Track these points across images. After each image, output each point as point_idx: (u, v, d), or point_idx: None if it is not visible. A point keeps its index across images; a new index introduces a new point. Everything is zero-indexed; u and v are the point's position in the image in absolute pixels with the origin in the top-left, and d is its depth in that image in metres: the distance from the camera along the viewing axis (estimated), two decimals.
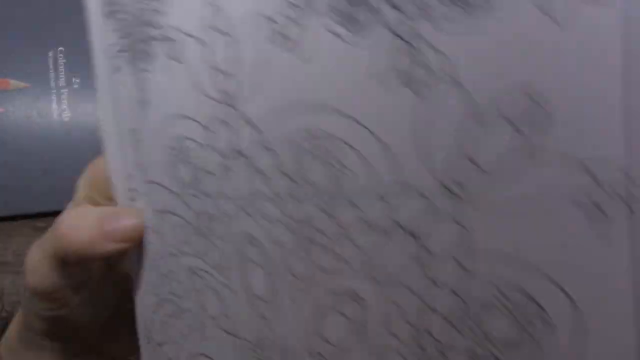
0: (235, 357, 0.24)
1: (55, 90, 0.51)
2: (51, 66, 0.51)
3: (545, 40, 0.15)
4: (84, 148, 0.51)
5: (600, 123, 0.15)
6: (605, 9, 0.14)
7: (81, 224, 0.27)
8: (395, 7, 0.17)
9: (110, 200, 0.28)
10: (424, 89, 0.16)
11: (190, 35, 0.22)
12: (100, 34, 0.26)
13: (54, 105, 0.51)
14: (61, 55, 0.51)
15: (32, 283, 0.27)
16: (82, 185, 0.29)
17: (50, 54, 0.51)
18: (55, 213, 0.31)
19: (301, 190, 0.19)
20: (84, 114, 0.50)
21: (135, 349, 0.29)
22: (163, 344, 0.27)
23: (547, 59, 0.15)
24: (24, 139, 0.50)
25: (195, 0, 0.21)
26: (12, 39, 0.50)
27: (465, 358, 0.18)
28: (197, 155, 0.23)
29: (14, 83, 0.51)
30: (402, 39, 0.16)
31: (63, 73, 0.51)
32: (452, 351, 0.18)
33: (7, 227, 0.49)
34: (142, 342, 0.28)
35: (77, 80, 0.51)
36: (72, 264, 0.28)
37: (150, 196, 0.25)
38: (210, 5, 0.20)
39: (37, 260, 0.27)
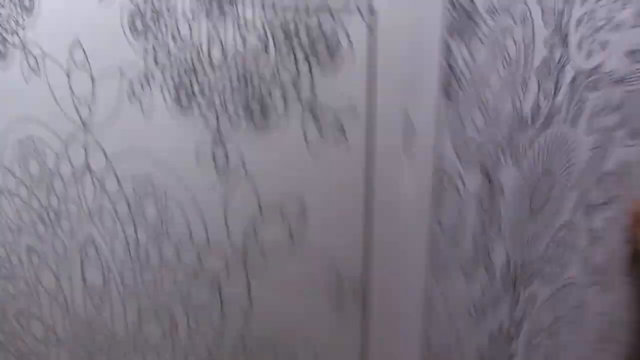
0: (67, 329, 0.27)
1: None
2: None
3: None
4: None
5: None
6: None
7: None
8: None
9: None
10: (223, 177, 0.20)
11: (51, 57, 0.22)
12: None
13: None
14: None
15: None
16: None
17: None
18: None
19: (136, 219, 0.23)
20: None
21: None
22: None
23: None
24: None
25: (62, 33, 0.23)
26: None
27: None
28: (47, 158, 0.25)
29: None
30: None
31: None
32: None
33: None
34: None
35: None
36: None
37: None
38: (78, 46, 0.23)
39: None
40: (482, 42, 0.19)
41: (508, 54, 0.20)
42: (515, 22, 0.20)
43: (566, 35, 0.22)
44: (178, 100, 0.21)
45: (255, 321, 0.21)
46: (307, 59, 0.21)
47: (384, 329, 0.19)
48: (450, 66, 0.19)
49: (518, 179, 0.22)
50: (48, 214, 0.26)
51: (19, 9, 0.24)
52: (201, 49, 0.20)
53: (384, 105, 0.19)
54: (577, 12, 0.22)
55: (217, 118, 0.20)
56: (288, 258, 0.20)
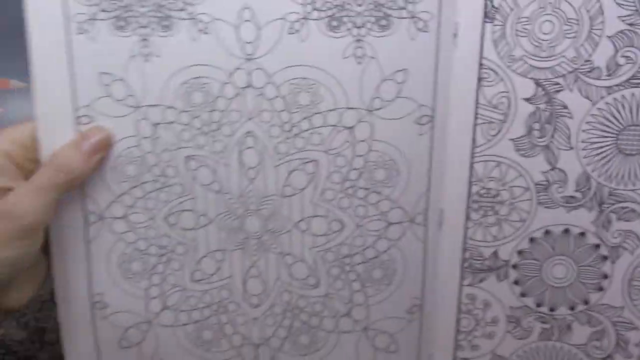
0: (221, 207, 0.41)
1: None
2: None
3: None
4: None
5: None
6: None
7: (69, 156, 0.38)
8: None
9: (30, 162, 0.37)
10: None
11: (221, 19, 0.37)
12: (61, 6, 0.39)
13: None
14: None
15: (19, 215, 0.35)
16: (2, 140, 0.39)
17: None
18: None
19: (291, 109, 0.39)
20: None
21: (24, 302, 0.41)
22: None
23: None
24: None
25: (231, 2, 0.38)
26: (12, 39, 0.48)
27: None
28: (211, 87, 0.39)
29: (14, 83, 0.50)
30: None
31: None
32: None
33: None
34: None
35: None
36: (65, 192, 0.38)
37: (148, 114, 0.39)
38: (247, 7, 0.38)
39: (23, 193, 0.36)
40: None
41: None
42: None
43: None
44: (331, 26, 0.38)
45: None
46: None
47: None
48: None
49: None
50: (210, 126, 0.41)
51: None
52: None
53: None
54: None
55: None
56: None
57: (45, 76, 0.38)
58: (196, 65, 0.39)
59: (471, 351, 0.44)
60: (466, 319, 0.43)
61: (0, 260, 0.34)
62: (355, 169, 0.39)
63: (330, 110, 0.38)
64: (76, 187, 0.38)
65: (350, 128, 0.40)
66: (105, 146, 0.39)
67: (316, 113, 0.40)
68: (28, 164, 0.37)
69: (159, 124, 0.40)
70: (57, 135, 0.39)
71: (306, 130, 0.38)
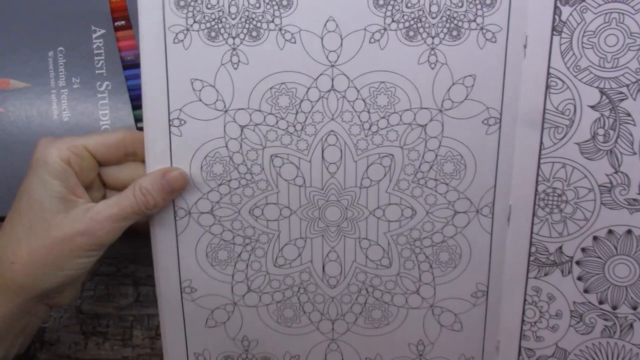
0: (303, 199, 0.49)
1: (55, 91, 0.53)
2: (51, 66, 0.53)
3: None
4: None
5: None
6: None
7: (150, 191, 0.48)
8: None
9: (87, 171, 0.46)
10: None
11: (307, 30, 0.47)
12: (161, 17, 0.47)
13: (54, 106, 0.53)
14: (61, 55, 0.53)
15: (99, 235, 0.45)
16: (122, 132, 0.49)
17: (50, 54, 0.53)
18: None
19: (371, 109, 0.48)
20: (83, 114, 0.53)
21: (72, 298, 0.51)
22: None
23: None
24: (24, 139, 0.53)
25: (317, 14, 0.47)
26: (12, 39, 0.52)
27: None
28: (296, 90, 0.48)
29: (14, 83, 0.53)
30: None
31: (63, 73, 0.53)
32: None
33: None
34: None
35: (77, 80, 0.53)
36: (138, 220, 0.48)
37: (235, 117, 0.48)
38: (331, 20, 0.47)
39: (105, 216, 0.46)
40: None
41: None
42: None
43: None
44: (409, 36, 0.47)
45: None
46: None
47: None
48: None
49: None
50: (295, 126, 0.51)
51: (275, 6, 0.49)
52: None
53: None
54: None
55: None
56: None
57: (147, 81, 0.49)
58: (283, 71, 0.47)
59: (535, 342, 0.53)
60: (531, 310, 0.52)
61: (75, 265, 0.42)
62: (426, 162, 0.47)
63: (406, 110, 0.47)
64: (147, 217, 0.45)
65: (423, 126, 0.49)
66: (182, 186, 0.47)
67: (393, 113, 0.48)
68: (85, 172, 0.43)
69: (246, 126, 0.49)
70: (155, 136, 0.47)
71: (384, 128, 0.47)
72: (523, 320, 0.50)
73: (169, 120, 0.47)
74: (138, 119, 0.53)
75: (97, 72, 0.53)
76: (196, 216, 0.48)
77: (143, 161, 0.45)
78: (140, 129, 0.51)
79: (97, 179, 0.45)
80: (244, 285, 0.49)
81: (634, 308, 0.49)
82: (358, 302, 0.49)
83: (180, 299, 0.49)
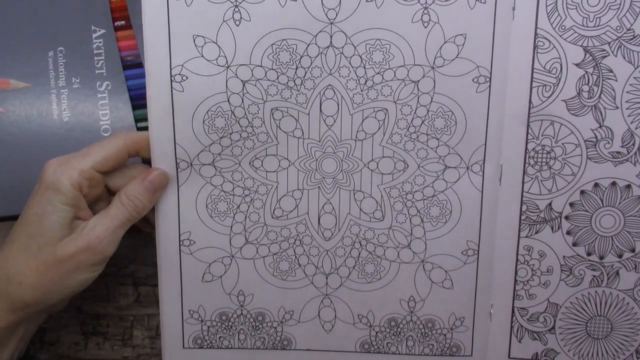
0: (301, 151, 0.53)
1: (55, 90, 0.55)
2: (51, 66, 0.54)
3: None
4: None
5: None
6: None
7: (137, 196, 0.52)
8: None
9: (93, 188, 0.49)
10: None
11: None
12: None
13: (54, 105, 0.55)
14: (61, 55, 0.54)
15: (100, 250, 0.49)
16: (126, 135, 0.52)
17: (51, 53, 0.54)
18: None
19: (367, 64, 0.52)
20: (83, 114, 0.55)
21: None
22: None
23: None
24: (24, 139, 0.54)
25: None
26: (12, 39, 0.54)
27: None
28: (296, 46, 0.53)
29: (14, 83, 0.54)
30: None
31: (63, 73, 0.54)
32: None
33: (7, 227, 0.53)
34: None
35: (77, 80, 0.55)
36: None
37: (237, 72, 0.52)
38: None
39: (102, 230, 0.49)
40: None
41: None
42: None
43: None
44: None
45: None
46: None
47: None
48: None
49: None
50: (295, 81, 0.55)
51: None
52: None
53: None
54: None
55: None
56: None
57: (149, 37, 0.53)
58: (284, 28, 0.51)
59: (528, 300, 0.57)
60: (523, 269, 0.56)
61: (78, 281, 0.46)
62: (418, 117, 0.51)
63: (400, 66, 0.51)
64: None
65: (416, 82, 0.53)
66: (164, 183, 0.50)
67: (387, 69, 0.53)
68: (94, 191, 0.47)
69: (247, 81, 0.54)
70: (157, 92, 0.52)
71: (378, 84, 0.51)
72: (516, 280, 0.52)
73: (171, 76, 0.51)
74: (138, 119, 0.56)
75: (97, 72, 0.55)
76: (197, 168, 0.52)
77: (146, 160, 0.49)
78: (141, 129, 0.55)
79: (104, 191, 0.48)
80: (241, 237, 0.53)
81: (620, 256, 0.52)
82: (351, 256, 0.53)
83: (179, 252, 0.53)
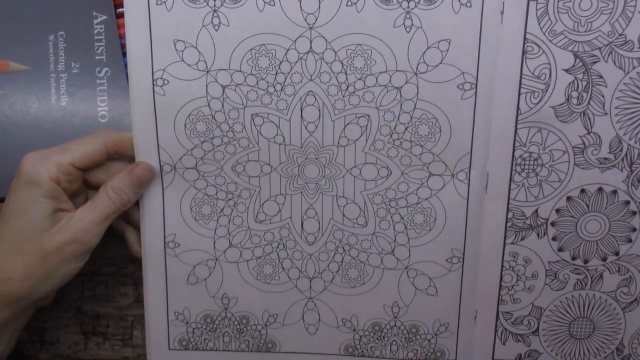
0: (283, 157, 0.55)
1: (54, 75, 0.56)
2: (51, 50, 0.55)
3: None
4: (80, 134, 0.56)
5: None
6: None
7: (122, 189, 0.54)
8: None
9: (71, 183, 0.51)
10: None
11: None
12: None
13: (53, 90, 0.56)
14: (61, 39, 0.55)
15: (85, 241, 0.51)
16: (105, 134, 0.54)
17: (51, 37, 0.55)
18: None
19: (348, 70, 0.53)
20: (82, 99, 0.56)
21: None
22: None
23: None
24: (22, 123, 0.56)
25: None
26: (13, 22, 0.55)
27: None
28: (275, 51, 0.53)
29: (13, 65, 0.56)
30: None
31: (63, 57, 0.55)
32: None
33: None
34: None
35: (77, 65, 0.56)
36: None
37: (217, 77, 0.53)
38: None
39: (88, 222, 0.51)
40: None
41: None
42: None
43: None
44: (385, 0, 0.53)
45: None
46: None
47: None
48: None
49: None
50: (275, 87, 0.56)
51: None
52: None
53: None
54: None
55: None
56: None
57: (132, 41, 0.55)
58: (262, 33, 0.52)
59: (512, 304, 0.58)
60: (508, 275, 0.58)
61: (65, 272, 0.48)
62: (401, 123, 0.52)
63: (382, 72, 0.51)
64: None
65: (399, 88, 0.54)
66: (150, 177, 0.53)
67: (369, 75, 0.53)
68: (72, 185, 0.49)
69: (227, 86, 0.55)
70: (140, 96, 0.54)
71: (360, 89, 0.52)
72: (501, 286, 0.54)
73: (153, 80, 0.53)
74: None
75: (96, 57, 0.56)
76: (181, 171, 0.54)
77: (126, 159, 0.52)
78: None
79: (81, 185, 0.50)
80: (225, 240, 0.55)
81: (604, 259, 0.55)
82: (335, 260, 0.55)
83: (164, 254, 0.55)
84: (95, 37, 0.56)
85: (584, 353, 0.56)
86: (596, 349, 0.56)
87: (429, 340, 0.56)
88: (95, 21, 0.56)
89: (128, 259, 0.58)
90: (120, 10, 0.56)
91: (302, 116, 0.52)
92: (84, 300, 0.59)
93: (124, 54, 0.56)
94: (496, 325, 0.55)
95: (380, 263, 0.55)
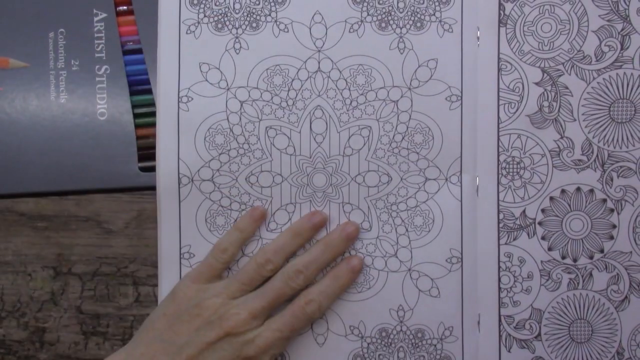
0: (293, 167, 0.65)
1: (54, 72, 0.58)
2: (51, 47, 0.57)
3: None
4: (79, 131, 0.58)
5: None
6: None
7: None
8: None
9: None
10: None
11: (298, 22, 0.65)
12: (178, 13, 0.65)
13: (52, 87, 0.58)
14: (61, 36, 0.57)
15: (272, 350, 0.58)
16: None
17: (51, 34, 0.57)
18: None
19: (351, 87, 0.65)
20: (81, 96, 0.58)
21: None
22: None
23: None
24: (21, 119, 0.57)
25: (306, 10, 0.65)
26: (14, 18, 0.57)
27: None
28: (288, 70, 0.66)
29: (13, 62, 0.57)
30: None
31: (63, 55, 0.58)
32: None
33: (7, 226, 0.59)
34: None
35: (76, 63, 0.58)
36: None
37: (236, 94, 0.65)
38: (318, 14, 0.65)
39: (276, 339, 0.58)
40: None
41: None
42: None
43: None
44: (381, 26, 0.66)
45: None
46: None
47: None
48: None
49: None
50: (287, 102, 0.67)
51: (272, 2, 0.67)
52: None
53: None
54: None
55: None
56: None
57: (162, 64, 0.65)
58: (277, 55, 0.65)
59: (513, 307, 0.65)
60: (506, 276, 0.65)
61: None
62: (399, 133, 0.62)
63: (380, 88, 0.62)
64: None
65: (395, 101, 0.65)
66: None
67: (370, 90, 0.65)
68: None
69: (245, 101, 0.66)
70: (166, 112, 0.63)
71: (362, 104, 0.62)
72: (500, 288, 0.61)
73: (179, 98, 0.62)
74: (135, 105, 0.60)
75: (96, 55, 0.58)
76: (198, 183, 0.62)
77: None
78: (137, 115, 0.60)
79: None
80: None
81: (591, 257, 0.62)
82: None
83: (179, 265, 0.62)
84: (95, 35, 0.58)
85: (586, 358, 0.61)
86: (598, 353, 0.61)
87: (435, 346, 0.62)
88: (96, 19, 0.58)
89: (128, 259, 0.61)
90: (121, 8, 0.59)
91: (311, 128, 0.62)
92: (84, 300, 0.61)
93: (124, 53, 0.59)
94: (500, 331, 0.61)
95: (385, 266, 0.62)
